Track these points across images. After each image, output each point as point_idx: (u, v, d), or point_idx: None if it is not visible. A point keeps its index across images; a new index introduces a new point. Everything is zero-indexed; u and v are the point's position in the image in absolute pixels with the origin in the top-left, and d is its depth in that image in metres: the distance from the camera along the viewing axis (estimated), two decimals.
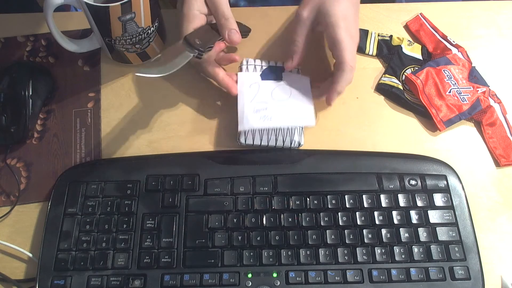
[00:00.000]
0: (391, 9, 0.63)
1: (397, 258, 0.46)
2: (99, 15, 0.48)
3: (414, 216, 0.48)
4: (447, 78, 0.56)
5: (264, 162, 0.51)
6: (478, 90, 0.56)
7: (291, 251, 0.46)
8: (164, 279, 0.45)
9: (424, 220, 0.48)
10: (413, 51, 0.59)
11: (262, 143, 0.52)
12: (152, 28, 0.53)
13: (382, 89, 0.57)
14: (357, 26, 0.52)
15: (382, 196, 0.49)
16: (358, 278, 0.45)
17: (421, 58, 0.59)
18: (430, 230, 0.47)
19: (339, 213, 0.48)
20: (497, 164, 0.53)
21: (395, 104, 0.57)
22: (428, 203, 0.49)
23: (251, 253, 0.46)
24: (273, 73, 0.55)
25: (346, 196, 0.48)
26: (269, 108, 0.51)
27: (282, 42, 0.59)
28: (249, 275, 0.45)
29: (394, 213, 0.48)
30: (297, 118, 0.52)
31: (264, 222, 0.47)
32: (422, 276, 0.45)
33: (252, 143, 0.52)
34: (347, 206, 0.48)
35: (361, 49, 0.59)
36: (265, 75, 0.54)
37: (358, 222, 0.47)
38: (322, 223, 0.47)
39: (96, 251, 0.46)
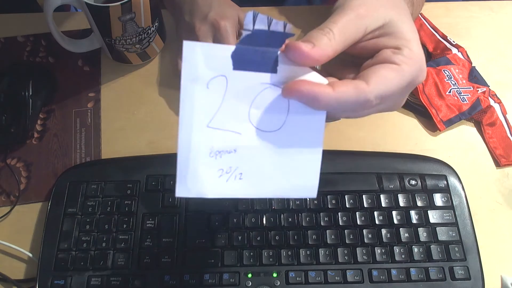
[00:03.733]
0: None
1: (397, 258, 0.46)
2: (99, 15, 0.48)
3: (414, 216, 0.48)
4: (447, 78, 0.56)
5: None
6: (478, 90, 0.56)
7: (291, 251, 0.46)
8: (164, 279, 0.45)
9: (424, 220, 0.48)
10: None
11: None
12: (152, 28, 0.53)
13: None
14: None
15: (382, 196, 0.49)
16: (358, 278, 0.45)
17: None
18: (430, 230, 0.47)
19: (339, 213, 0.48)
20: (497, 164, 0.53)
21: None
22: (428, 203, 0.49)
23: (251, 253, 0.46)
24: (261, 55, 0.29)
25: (346, 196, 0.48)
26: (242, 150, 0.29)
27: None
28: (249, 275, 0.45)
29: (394, 213, 0.48)
30: (294, 178, 0.31)
31: (264, 222, 0.47)
32: (422, 276, 0.45)
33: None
34: (347, 206, 0.48)
35: None
36: (242, 58, 0.28)
37: (358, 222, 0.47)
38: (322, 223, 0.47)
39: (96, 251, 0.46)
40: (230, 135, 0.29)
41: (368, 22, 0.32)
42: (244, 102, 0.29)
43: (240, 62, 0.28)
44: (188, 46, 0.27)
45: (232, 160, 0.29)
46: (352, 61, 0.34)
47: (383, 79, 0.30)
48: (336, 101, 0.29)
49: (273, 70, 0.29)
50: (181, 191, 0.28)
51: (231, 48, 0.28)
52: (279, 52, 0.29)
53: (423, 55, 0.32)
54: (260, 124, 0.30)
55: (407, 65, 0.31)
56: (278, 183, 0.31)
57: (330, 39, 0.30)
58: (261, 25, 0.28)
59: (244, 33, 0.28)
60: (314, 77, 0.30)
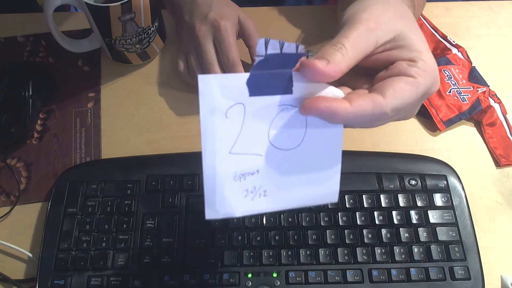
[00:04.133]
0: None
1: (397, 258, 0.46)
2: (99, 15, 0.48)
3: (414, 216, 0.48)
4: (447, 78, 0.56)
5: None
6: (478, 90, 0.56)
7: (291, 251, 0.46)
8: (164, 279, 0.45)
9: (424, 220, 0.48)
10: None
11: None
12: (152, 28, 0.53)
13: None
14: None
15: (382, 196, 0.49)
16: (358, 278, 0.45)
17: None
18: (430, 230, 0.47)
19: (339, 213, 0.48)
20: (497, 164, 0.53)
21: None
22: (428, 203, 0.49)
23: (251, 253, 0.46)
24: (276, 78, 0.29)
25: (346, 196, 0.48)
26: (264, 169, 0.30)
27: None
28: (249, 275, 0.45)
29: (394, 213, 0.48)
30: (315, 188, 0.32)
31: (264, 222, 0.47)
32: (422, 276, 0.45)
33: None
34: (347, 206, 0.48)
35: None
36: (257, 84, 0.29)
37: (358, 222, 0.47)
38: (322, 223, 0.47)
39: (96, 251, 0.46)
40: (252, 158, 0.30)
41: (379, 35, 0.32)
42: (263, 125, 0.30)
43: (256, 88, 0.29)
44: (203, 80, 0.28)
45: (256, 180, 0.30)
46: (365, 71, 0.34)
47: (399, 92, 0.31)
48: (354, 115, 0.29)
49: (288, 90, 0.29)
50: (210, 214, 0.30)
51: (246, 75, 0.28)
52: (292, 72, 0.29)
53: (436, 65, 0.33)
54: (280, 144, 0.31)
55: (422, 77, 0.31)
56: (301, 195, 0.32)
57: (343, 54, 0.30)
58: (273, 50, 0.28)
59: (257, 59, 0.28)
60: (329, 91, 0.31)
